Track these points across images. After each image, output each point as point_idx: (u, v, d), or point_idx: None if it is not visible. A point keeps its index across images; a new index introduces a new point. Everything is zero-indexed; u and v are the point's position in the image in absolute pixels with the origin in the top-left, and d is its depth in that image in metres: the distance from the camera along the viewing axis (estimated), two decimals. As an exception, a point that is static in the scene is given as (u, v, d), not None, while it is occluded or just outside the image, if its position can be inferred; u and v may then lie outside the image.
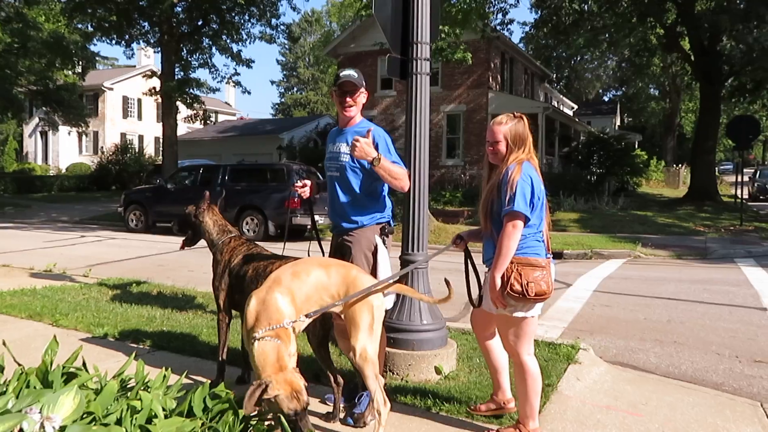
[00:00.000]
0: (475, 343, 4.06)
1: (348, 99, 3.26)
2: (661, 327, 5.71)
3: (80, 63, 25.66)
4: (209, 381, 3.02)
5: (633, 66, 31.37)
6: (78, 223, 17.56)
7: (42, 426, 1.85)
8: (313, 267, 2.78)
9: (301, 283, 2.67)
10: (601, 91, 53.76)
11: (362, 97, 3.32)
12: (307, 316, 2.62)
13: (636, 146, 29.53)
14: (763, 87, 21.13)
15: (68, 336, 4.62)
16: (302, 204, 11.11)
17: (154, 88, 21.10)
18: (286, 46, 57.49)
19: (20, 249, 10.97)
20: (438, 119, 22.60)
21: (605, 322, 5.93)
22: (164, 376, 2.55)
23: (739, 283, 8.09)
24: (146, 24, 21.13)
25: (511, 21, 20.79)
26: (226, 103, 49.21)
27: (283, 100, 63.34)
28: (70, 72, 26.86)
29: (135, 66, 39.31)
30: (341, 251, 3.29)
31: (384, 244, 3.25)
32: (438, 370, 3.79)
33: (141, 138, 40.14)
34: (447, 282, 2.86)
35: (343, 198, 3.28)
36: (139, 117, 41.02)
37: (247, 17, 21.76)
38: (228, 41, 22.03)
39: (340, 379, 3.12)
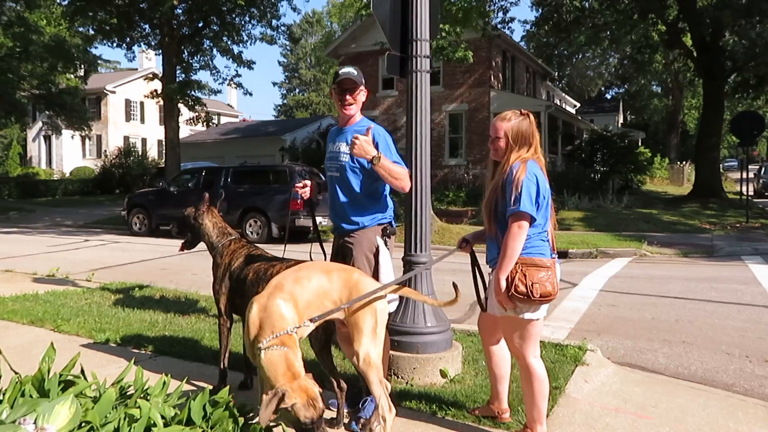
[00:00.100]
0: (480, 345, 4.00)
1: (348, 97, 3.20)
2: (669, 326, 5.64)
3: (82, 66, 25.70)
4: (210, 387, 2.97)
5: (635, 63, 31.25)
6: (82, 227, 17.55)
7: (36, 437, 1.80)
8: (315, 271, 2.72)
9: (303, 289, 2.62)
10: (603, 88, 53.57)
11: (362, 95, 3.27)
12: (311, 320, 2.57)
13: (639, 144, 29.41)
14: (767, 82, 20.98)
15: (69, 342, 4.58)
16: (305, 205, 11.06)
17: (156, 90, 21.12)
18: (288, 48, 57.59)
19: (24, 254, 10.95)
20: (440, 119, 22.55)
21: (612, 322, 5.86)
22: (164, 382, 2.51)
23: (747, 281, 8.00)
24: (147, 26, 21.15)
25: (512, 19, 20.89)
26: (228, 105, 49.29)
27: (285, 101, 63.42)
28: (72, 75, 26.92)
29: (137, 69, 39.41)
30: (342, 253, 3.24)
31: (386, 245, 3.19)
32: (443, 374, 3.73)
33: (144, 141, 40.23)
34: (455, 286, 2.80)
35: (343, 198, 3.23)
36: (142, 120, 41.10)
37: (247, 18, 21.78)
38: (229, 43, 22.05)
39: (344, 384, 3.07)
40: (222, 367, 3.52)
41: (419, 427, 3.07)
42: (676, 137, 42.19)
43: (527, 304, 2.67)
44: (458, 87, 22.56)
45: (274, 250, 3.81)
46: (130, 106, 40.21)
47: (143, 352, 4.38)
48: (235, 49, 22.26)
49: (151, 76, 22.76)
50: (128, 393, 2.50)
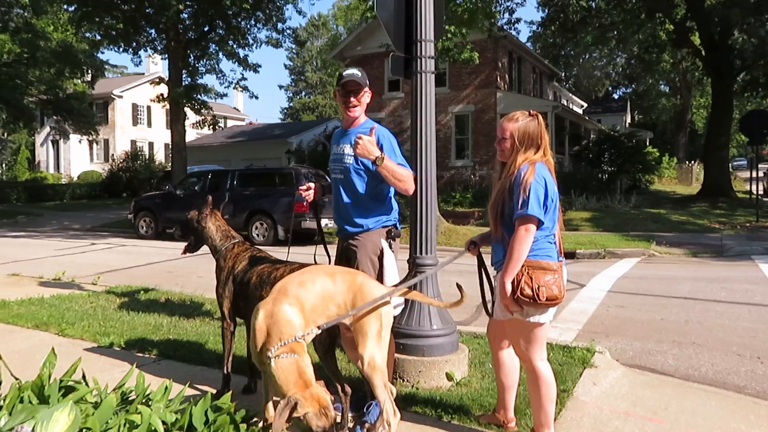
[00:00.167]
0: (487, 347, 3.94)
1: (352, 99, 3.17)
2: (678, 327, 5.57)
3: (89, 71, 25.86)
4: (212, 392, 2.94)
5: (642, 62, 31.07)
6: (89, 230, 17.63)
7: (33, 445, 1.77)
8: (319, 275, 2.69)
9: (308, 292, 2.58)
10: (610, 88, 53.32)
11: (366, 96, 3.23)
12: (318, 327, 2.54)
13: (647, 143, 29.23)
14: (776, 81, 20.83)
15: (73, 346, 4.57)
16: (310, 208, 11.05)
17: (162, 94, 21.19)
18: (294, 51, 57.75)
19: (31, 258, 11.00)
20: (446, 120, 22.49)
21: (621, 323, 5.79)
22: (166, 387, 2.48)
23: (757, 281, 7.90)
24: (153, 31, 21.22)
25: (518, 20, 20.88)
26: (234, 108, 49.40)
27: (291, 104, 63.58)
28: (79, 81, 27.09)
29: (143, 73, 39.59)
30: (347, 256, 3.20)
31: (390, 247, 3.15)
32: (449, 377, 3.68)
33: (151, 145, 40.42)
34: (459, 287, 2.76)
35: (347, 200, 3.19)
36: (149, 124, 41.29)
37: (253, 22, 21.79)
38: (234, 46, 22.07)
39: (348, 388, 3.03)
40: (225, 371, 3.49)
41: (425, 432, 3.03)
42: (685, 137, 41.94)
43: (533, 307, 2.62)
44: (464, 88, 22.51)
45: (281, 252, 3.78)
46: (137, 111, 40.40)
47: (147, 355, 4.36)
48: (241, 52, 22.31)
49: (157, 80, 22.76)
50: (130, 398, 2.47)
